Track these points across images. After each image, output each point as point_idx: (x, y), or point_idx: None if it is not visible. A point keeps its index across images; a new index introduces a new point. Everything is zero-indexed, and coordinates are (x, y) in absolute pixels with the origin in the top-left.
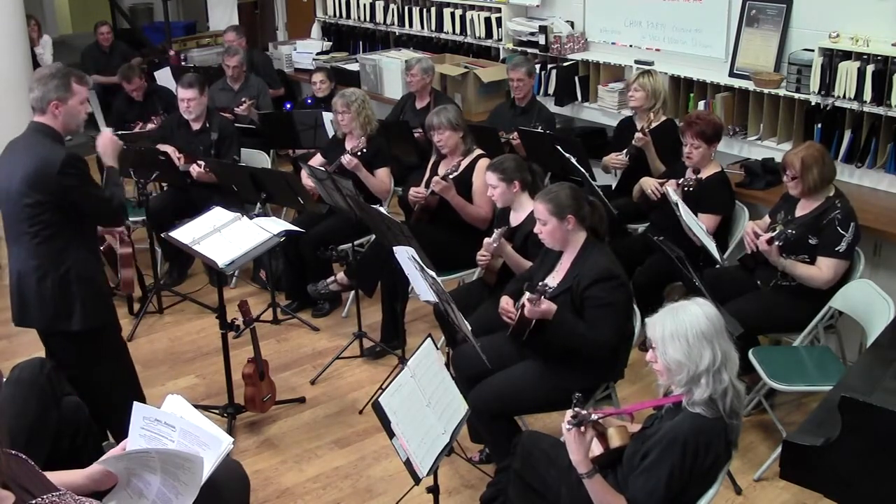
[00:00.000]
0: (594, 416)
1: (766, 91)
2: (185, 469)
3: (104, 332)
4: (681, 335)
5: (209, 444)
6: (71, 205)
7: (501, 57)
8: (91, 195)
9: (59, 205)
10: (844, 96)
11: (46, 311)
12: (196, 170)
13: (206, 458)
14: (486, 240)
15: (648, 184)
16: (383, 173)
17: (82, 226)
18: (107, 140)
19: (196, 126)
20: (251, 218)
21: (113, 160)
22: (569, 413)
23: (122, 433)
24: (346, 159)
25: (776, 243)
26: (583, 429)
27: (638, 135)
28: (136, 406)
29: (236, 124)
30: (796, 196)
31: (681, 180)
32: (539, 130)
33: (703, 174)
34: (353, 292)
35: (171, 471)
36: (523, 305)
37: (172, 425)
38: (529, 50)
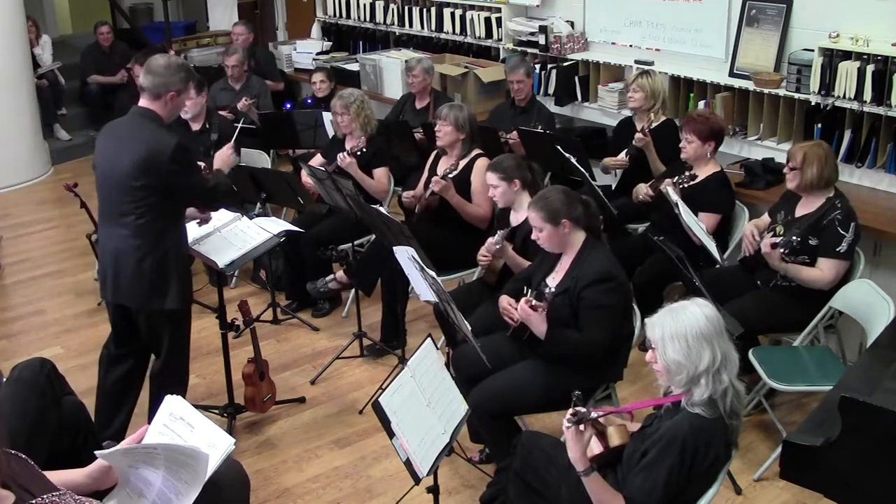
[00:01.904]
0: (594, 415)
1: (766, 91)
2: (189, 468)
3: (188, 311)
4: (680, 336)
5: (212, 445)
6: (173, 189)
7: (501, 57)
8: (194, 182)
9: (165, 188)
10: (844, 96)
11: (143, 289)
12: None
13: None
14: (490, 240)
15: (640, 191)
16: (381, 173)
17: (180, 209)
18: (226, 156)
19: (196, 126)
20: (251, 218)
21: (226, 169)
22: (569, 411)
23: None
24: (341, 157)
25: (780, 250)
26: (582, 427)
27: (638, 135)
28: (170, 399)
29: (236, 123)
30: (793, 189)
31: (675, 178)
32: (539, 130)
33: (703, 174)
34: (353, 292)
35: (174, 469)
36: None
37: (192, 425)
38: (529, 50)
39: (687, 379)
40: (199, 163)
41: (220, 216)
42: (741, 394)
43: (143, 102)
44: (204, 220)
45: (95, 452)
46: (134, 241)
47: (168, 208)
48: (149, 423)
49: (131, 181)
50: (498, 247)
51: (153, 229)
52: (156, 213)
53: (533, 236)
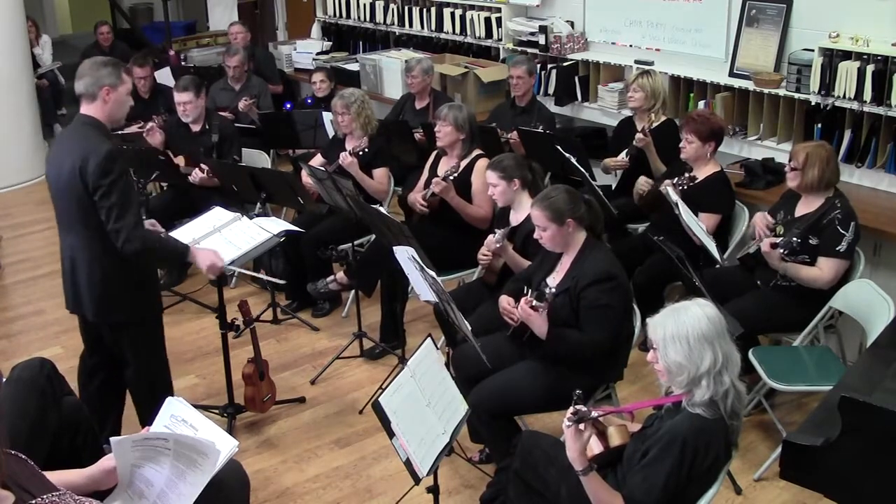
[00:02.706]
0: (594, 414)
1: (766, 91)
2: (196, 466)
3: (152, 322)
4: (682, 337)
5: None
6: (98, 199)
7: (501, 57)
8: (116, 195)
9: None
10: (844, 96)
11: (98, 301)
12: (199, 175)
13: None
14: (489, 238)
15: (641, 182)
16: (382, 173)
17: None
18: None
19: (196, 128)
20: (251, 218)
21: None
22: (570, 409)
23: (148, 424)
24: (343, 157)
25: (780, 251)
26: (582, 426)
27: (639, 135)
28: (170, 401)
29: (237, 123)
30: (793, 188)
31: (675, 180)
32: (539, 130)
33: (703, 174)
34: (352, 292)
35: (179, 468)
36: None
37: (195, 427)
38: (529, 50)
39: (688, 380)
40: (196, 165)
41: (221, 216)
42: (742, 395)
43: (83, 109)
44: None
45: (111, 439)
46: (85, 252)
47: None
48: (145, 426)
49: (73, 189)
50: (498, 245)
51: (104, 238)
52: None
53: (535, 235)
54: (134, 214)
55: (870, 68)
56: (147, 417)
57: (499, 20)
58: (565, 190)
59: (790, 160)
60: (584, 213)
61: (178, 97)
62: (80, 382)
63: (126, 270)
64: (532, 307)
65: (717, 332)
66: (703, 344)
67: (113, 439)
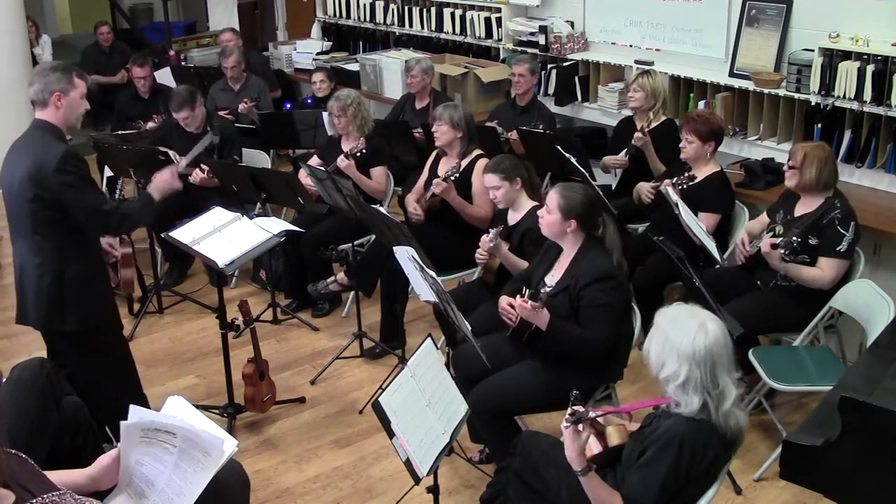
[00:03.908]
0: (592, 414)
1: (766, 91)
2: (198, 464)
3: (102, 333)
4: (666, 339)
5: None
6: (63, 203)
7: (501, 57)
8: (83, 196)
9: (57, 202)
10: (844, 96)
11: (42, 310)
12: (199, 175)
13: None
14: (483, 237)
15: (643, 189)
16: (379, 172)
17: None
18: (166, 178)
19: (196, 130)
20: (251, 218)
21: (159, 194)
22: (568, 410)
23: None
24: (341, 160)
25: (780, 251)
26: (580, 427)
27: (637, 134)
28: (171, 399)
29: (237, 124)
30: (791, 187)
31: (674, 179)
32: (539, 130)
33: (703, 174)
34: (352, 292)
35: (182, 467)
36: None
37: (173, 433)
38: (529, 50)
39: (675, 388)
40: (195, 166)
41: (221, 216)
42: (741, 421)
43: (37, 114)
44: (110, 256)
45: (121, 423)
46: (34, 259)
47: (68, 224)
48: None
49: (25, 194)
50: (492, 245)
51: (52, 247)
52: (53, 230)
53: (539, 212)
54: (104, 202)
55: (870, 68)
56: (114, 432)
57: (499, 20)
58: (592, 196)
59: (789, 159)
60: (592, 224)
61: (177, 116)
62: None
63: (72, 281)
64: (530, 305)
65: (695, 356)
66: (673, 355)
67: (123, 424)
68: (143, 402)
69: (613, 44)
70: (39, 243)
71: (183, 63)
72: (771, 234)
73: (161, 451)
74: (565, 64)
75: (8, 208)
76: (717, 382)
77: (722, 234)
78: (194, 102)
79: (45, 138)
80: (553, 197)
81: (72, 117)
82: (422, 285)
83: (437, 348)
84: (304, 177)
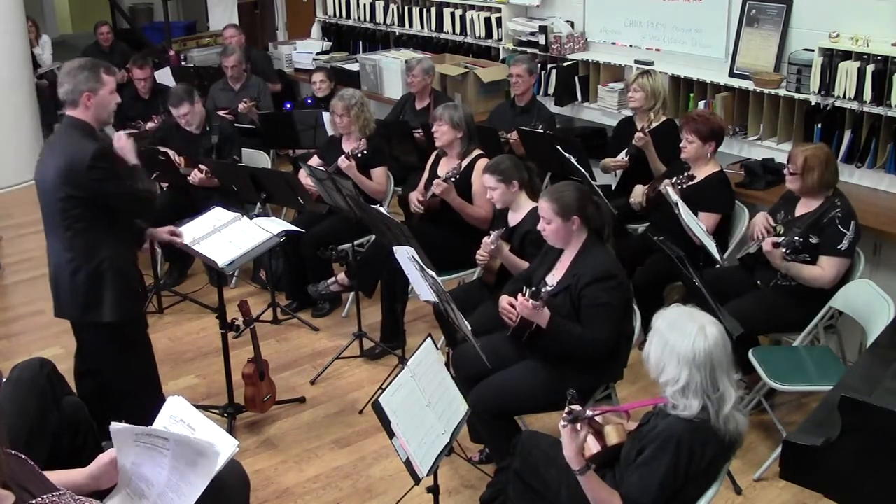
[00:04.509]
0: (589, 413)
1: (766, 91)
2: (196, 467)
3: (134, 326)
4: (665, 341)
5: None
6: (101, 198)
7: (501, 57)
8: (119, 189)
9: (90, 199)
10: (844, 96)
11: (78, 303)
12: (198, 175)
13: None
14: (485, 239)
15: (637, 194)
16: (380, 173)
17: (115, 219)
18: (123, 141)
19: (196, 129)
20: (251, 218)
21: (134, 158)
22: (565, 410)
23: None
24: (342, 161)
25: (782, 250)
26: (578, 426)
27: (638, 134)
28: (171, 400)
29: (236, 124)
30: (793, 191)
31: (674, 179)
32: (539, 130)
33: (703, 174)
34: (353, 292)
35: (180, 468)
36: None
37: (193, 427)
38: (529, 50)
39: (674, 392)
40: (196, 166)
41: (221, 216)
42: (740, 425)
43: (68, 111)
44: (177, 243)
45: (111, 424)
46: (67, 255)
47: (99, 219)
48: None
49: (57, 192)
50: (493, 247)
51: (84, 241)
52: (85, 225)
53: (539, 226)
54: (135, 189)
55: (870, 68)
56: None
57: (499, 20)
58: (577, 187)
59: (788, 162)
60: (591, 213)
61: (175, 112)
62: (75, 385)
63: (106, 273)
64: (530, 304)
65: (695, 360)
66: (673, 359)
67: (113, 426)
68: (161, 401)
69: (613, 44)
70: (71, 239)
71: (183, 63)
72: (772, 234)
73: (156, 454)
74: (565, 64)
75: (41, 205)
76: (717, 386)
77: (722, 234)
78: (192, 98)
79: (76, 136)
80: (545, 206)
81: (103, 114)
82: (422, 285)
83: (437, 348)
84: (304, 177)
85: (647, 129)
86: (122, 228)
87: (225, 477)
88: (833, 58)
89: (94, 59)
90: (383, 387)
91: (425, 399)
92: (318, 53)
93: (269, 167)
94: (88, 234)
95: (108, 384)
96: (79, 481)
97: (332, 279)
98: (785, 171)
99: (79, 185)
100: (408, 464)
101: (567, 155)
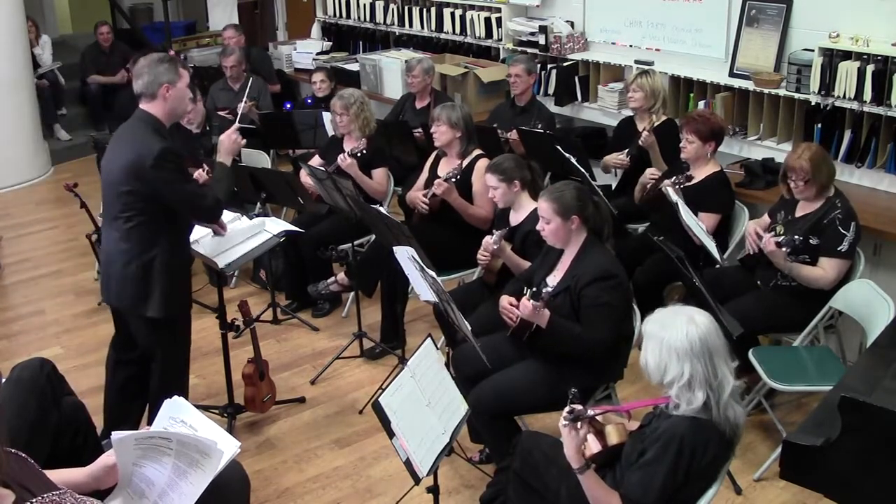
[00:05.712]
0: (590, 412)
1: (766, 91)
2: (198, 466)
3: (177, 323)
4: (657, 339)
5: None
6: (161, 197)
7: (501, 57)
8: (181, 190)
9: (151, 196)
10: (844, 96)
11: (126, 294)
12: (200, 175)
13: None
14: (486, 239)
15: (646, 174)
16: (381, 173)
17: (174, 218)
18: (231, 140)
19: (196, 129)
20: (251, 218)
21: (227, 157)
22: (565, 409)
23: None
24: (341, 159)
25: (784, 249)
26: (579, 425)
27: (644, 135)
28: (170, 401)
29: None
30: (808, 199)
31: (673, 178)
32: (539, 130)
33: (702, 174)
34: (353, 292)
35: (182, 468)
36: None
37: (194, 428)
38: (529, 50)
39: (661, 382)
40: (198, 166)
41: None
42: (739, 416)
43: (142, 105)
44: (218, 231)
45: (112, 434)
46: (122, 245)
47: (158, 214)
48: (148, 426)
49: (120, 186)
50: (496, 247)
51: (141, 234)
52: (144, 219)
53: (538, 226)
54: (202, 193)
55: (870, 68)
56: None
57: (499, 20)
58: (575, 186)
59: (790, 174)
60: (590, 213)
61: None
62: (107, 374)
63: (158, 268)
64: (531, 305)
65: (693, 350)
66: (673, 356)
67: (114, 435)
68: (186, 396)
69: (613, 44)
70: (128, 231)
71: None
72: (772, 234)
73: (158, 454)
74: (565, 64)
75: (103, 194)
76: (716, 373)
77: (722, 234)
78: (193, 97)
79: (145, 132)
80: (544, 206)
81: (179, 108)
82: (422, 285)
83: (437, 348)
84: (304, 177)
85: (651, 129)
86: (180, 228)
87: (225, 477)
88: (833, 58)
89: (169, 54)
90: (383, 387)
91: (425, 399)
92: (318, 53)
93: (269, 167)
94: (145, 229)
95: (146, 374)
96: (79, 480)
97: (332, 279)
98: (792, 184)
99: (142, 181)
100: (408, 464)
101: (567, 155)
